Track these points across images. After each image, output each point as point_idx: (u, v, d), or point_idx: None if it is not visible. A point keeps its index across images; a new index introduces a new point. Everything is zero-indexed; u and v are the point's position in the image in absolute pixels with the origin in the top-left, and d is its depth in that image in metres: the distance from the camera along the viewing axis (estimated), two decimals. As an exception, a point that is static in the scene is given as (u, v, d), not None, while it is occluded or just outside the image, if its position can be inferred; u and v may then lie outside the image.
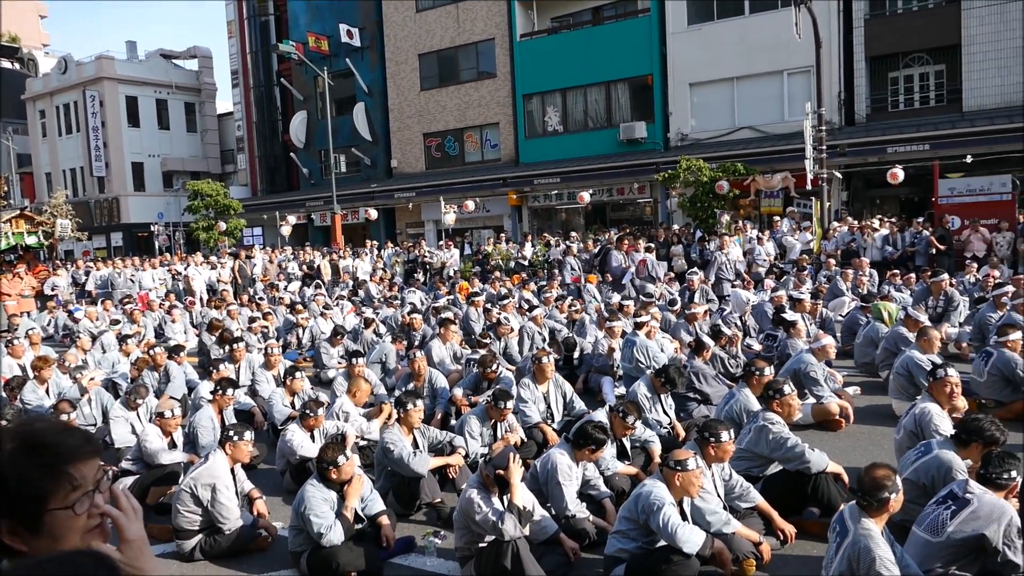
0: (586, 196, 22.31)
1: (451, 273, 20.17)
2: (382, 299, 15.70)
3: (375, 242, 24.70)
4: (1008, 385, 6.91)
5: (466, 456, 5.96)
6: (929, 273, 11.60)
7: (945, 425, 5.23)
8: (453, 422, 7.10)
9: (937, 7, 20.58)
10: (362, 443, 6.71)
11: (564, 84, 25.64)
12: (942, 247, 14.51)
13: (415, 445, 5.78)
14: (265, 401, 7.93)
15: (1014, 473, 3.91)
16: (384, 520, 4.99)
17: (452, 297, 15.05)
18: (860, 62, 21.03)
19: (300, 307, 13.49)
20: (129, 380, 9.30)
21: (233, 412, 7.15)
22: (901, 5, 21.18)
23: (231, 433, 5.19)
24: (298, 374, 7.61)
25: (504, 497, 4.35)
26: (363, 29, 30.04)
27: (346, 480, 4.75)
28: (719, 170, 19.30)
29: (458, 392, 7.56)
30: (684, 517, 4.16)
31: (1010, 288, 9.38)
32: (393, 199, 28.41)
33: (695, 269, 14.13)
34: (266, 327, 12.38)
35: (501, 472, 4.31)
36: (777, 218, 18.24)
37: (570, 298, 12.76)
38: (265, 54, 33.71)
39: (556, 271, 17.43)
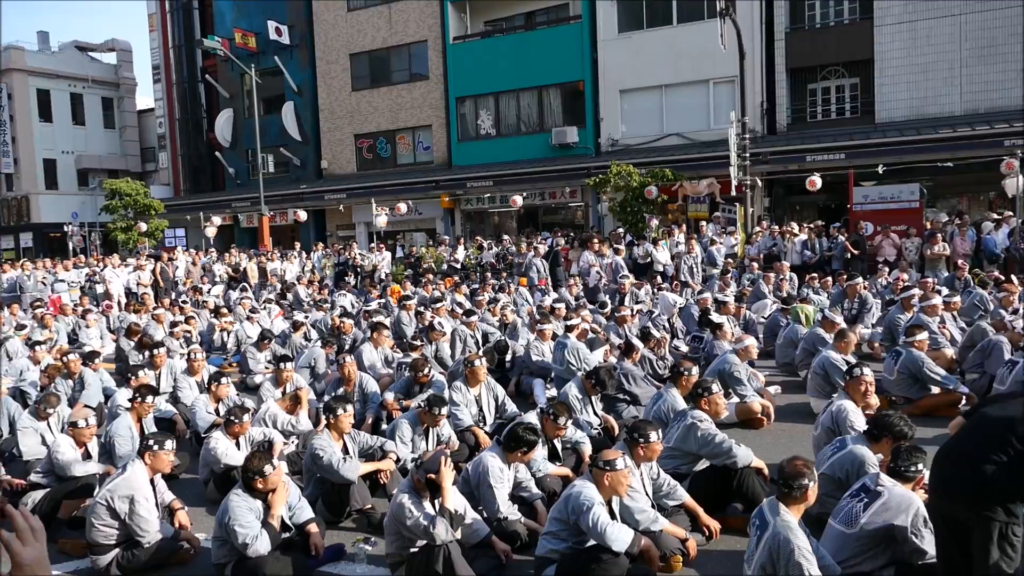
0: (519, 200, 22.44)
1: (383, 276, 19.96)
2: (311, 302, 15.40)
3: (320, 245, 24.28)
4: (916, 382, 7.29)
5: (397, 461, 5.91)
6: (845, 277, 12.16)
7: (859, 422, 5.49)
8: (384, 427, 7.03)
9: (852, 23, 21.57)
10: (288, 449, 6.56)
11: (497, 88, 25.74)
12: (856, 252, 15.22)
13: (345, 451, 5.69)
14: (188, 408, 7.66)
15: (920, 466, 4.13)
16: (313, 528, 4.89)
17: (384, 300, 14.89)
18: (781, 74, 21.86)
19: (225, 311, 13.09)
20: (39, 388, 8.83)
21: (153, 420, 6.88)
22: (819, 20, 22.12)
23: (151, 442, 5.00)
24: (223, 380, 7.38)
25: (435, 501, 4.33)
26: (292, 27, 29.42)
27: (272, 489, 4.63)
28: (648, 175, 19.73)
29: (389, 396, 7.49)
30: (613, 516, 4.23)
31: (917, 291, 9.91)
32: (323, 200, 27.91)
33: (626, 272, 14.40)
34: (188, 332, 11.98)
35: (432, 476, 4.29)
36: (704, 223, 18.75)
37: (502, 300, 12.80)
38: (189, 49, 32.58)
39: (488, 274, 17.47)
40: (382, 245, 21.87)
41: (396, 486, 4.99)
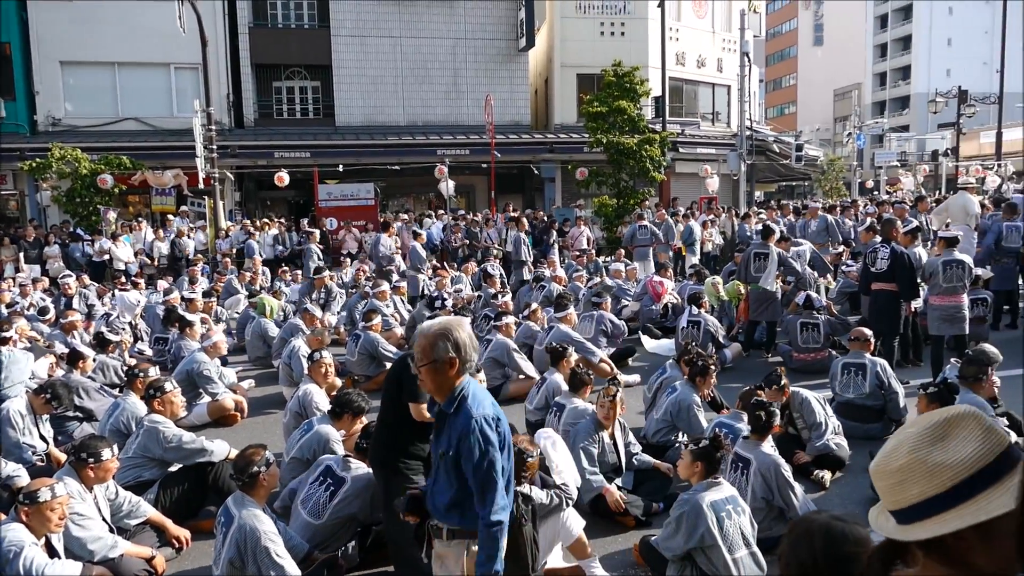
0: (-83, 184, 17.60)
1: None
2: None
3: None
4: (373, 361, 8.14)
5: None
6: (313, 269, 12.82)
7: (324, 402, 5.85)
8: None
9: (311, 28, 22.80)
10: None
11: None
12: (322, 246, 16.20)
13: None
14: None
15: None
16: None
17: None
18: (247, 68, 21.85)
19: None
20: None
21: None
22: (281, 20, 22.76)
23: None
24: None
25: None
26: None
27: None
28: (102, 162, 17.56)
29: None
30: (54, 553, 3.64)
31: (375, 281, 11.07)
32: None
33: (69, 272, 12.56)
34: None
35: None
36: (171, 217, 17.60)
37: None
38: None
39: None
40: None
41: None
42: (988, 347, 5.94)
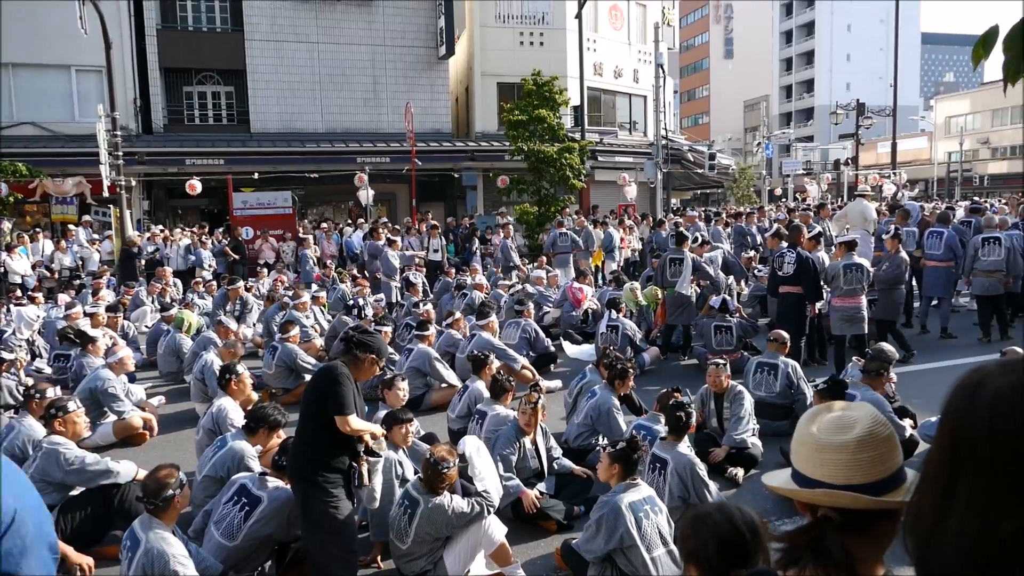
0: None
1: None
2: None
3: None
4: (291, 373, 7.94)
5: None
6: (227, 280, 12.42)
7: (239, 418, 5.65)
8: None
9: (224, 32, 22.12)
10: None
11: None
12: (236, 256, 15.72)
13: None
14: None
15: None
16: None
17: None
18: (155, 71, 21.00)
19: None
20: None
21: None
22: (192, 23, 21.97)
23: None
24: None
25: None
26: None
27: None
28: (-6, 169, 16.53)
29: None
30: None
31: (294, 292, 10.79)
32: None
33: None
34: None
35: None
36: (73, 227, 16.72)
37: None
38: None
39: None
40: None
41: None
42: (886, 346, 6.30)
